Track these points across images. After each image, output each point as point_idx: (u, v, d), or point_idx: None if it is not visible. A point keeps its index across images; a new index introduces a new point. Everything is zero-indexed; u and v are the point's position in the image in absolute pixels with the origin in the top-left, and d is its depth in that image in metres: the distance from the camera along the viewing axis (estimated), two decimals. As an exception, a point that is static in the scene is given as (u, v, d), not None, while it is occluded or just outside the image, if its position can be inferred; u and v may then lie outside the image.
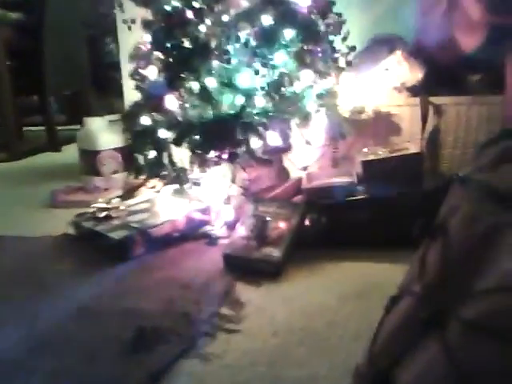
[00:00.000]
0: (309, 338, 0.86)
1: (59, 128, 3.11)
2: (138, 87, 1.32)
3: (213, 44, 1.21)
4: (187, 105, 1.24)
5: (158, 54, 1.25)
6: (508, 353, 0.37)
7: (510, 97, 1.29)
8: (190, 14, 1.17)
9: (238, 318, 0.94)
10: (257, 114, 1.24)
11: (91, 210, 1.38)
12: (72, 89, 3.24)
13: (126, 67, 1.54)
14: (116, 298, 1.02)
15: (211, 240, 1.28)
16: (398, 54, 1.37)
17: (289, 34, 1.26)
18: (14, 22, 2.61)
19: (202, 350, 0.85)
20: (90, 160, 1.95)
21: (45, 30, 2.67)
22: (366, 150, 1.31)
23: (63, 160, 2.59)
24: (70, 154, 2.51)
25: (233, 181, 1.41)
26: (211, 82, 1.20)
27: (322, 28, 1.34)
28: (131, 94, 1.51)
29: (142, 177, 1.49)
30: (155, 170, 1.25)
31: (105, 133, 1.90)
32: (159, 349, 0.84)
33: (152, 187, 1.63)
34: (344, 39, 1.36)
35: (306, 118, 1.34)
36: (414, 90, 1.41)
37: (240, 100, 1.20)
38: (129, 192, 1.63)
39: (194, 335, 0.88)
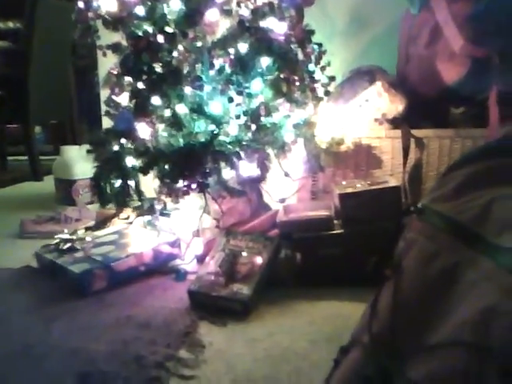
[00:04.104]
0: (271, 387, 0.78)
1: (44, 158, 3.07)
2: (107, 113, 1.27)
3: (185, 70, 1.17)
4: (158, 132, 1.19)
5: (129, 80, 1.20)
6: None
7: (494, 130, 1.24)
8: (161, 39, 1.13)
9: (195, 362, 0.86)
10: (230, 142, 1.18)
11: (55, 242, 1.31)
12: (58, 118, 3.21)
13: (105, 95, 1.50)
14: (65, 336, 0.93)
15: (179, 275, 1.20)
16: (379, 85, 1.34)
17: (265, 62, 1.22)
18: (0, 50, 2.59)
19: (151, 399, 0.76)
20: (66, 189, 1.89)
21: (32, 59, 2.65)
22: (344, 182, 1.25)
23: (42, 190, 2.52)
24: (51, 183, 2.46)
25: (206, 212, 1.35)
26: (182, 109, 1.15)
27: (301, 57, 1.31)
28: (108, 122, 1.47)
29: (113, 207, 1.42)
30: (121, 199, 1.18)
31: (81, 162, 1.85)
32: (102, 397, 0.75)
33: (125, 218, 1.57)
34: (323, 69, 1.33)
35: (282, 148, 1.29)
36: (395, 122, 1.36)
37: (211, 128, 1.15)
38: (101, 223, 1.56)
39: (144, 381, 0.79)
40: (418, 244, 0.39)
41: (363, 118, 1.37)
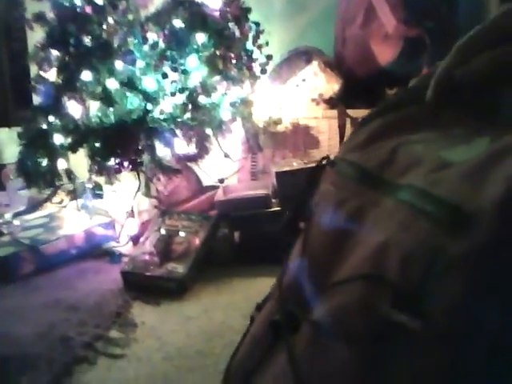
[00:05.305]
0: (204, 363, 0.77)
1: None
2: (33, 89, 1.21)
3: (116, 43, 1.13)
4: (88, 108, 1.14)
5: (56, 54, 1.14)
6: (358, 360, 0.29)
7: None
8: (89, 10, 1.08)
9: (126, 340, 0.83)
10: (164, 120, 1.15)
11: (-20, 227, 1.23)
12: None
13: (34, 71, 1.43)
14: (-14, 322, 0.88)
15: (113, 257, 1.16)
16: (315, 65, 1.34)
17: (200, 38, 1.19)
18: None
19: (77, 378, 0.73)
20: (-5, 174, 1.79)
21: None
22: (282, 162, 1.25)
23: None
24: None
25: (145, 193, 1.32)
26: (113, 84, 1.10)
27: (237, 34, 1.29)
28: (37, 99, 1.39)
29: (45, 191, 1.36)
30: (49, 179, 1.12)
31: (11, 145, 1.75)
32: (22, 380, 0.71)
33: (59, 202, 1.50)
34: (260, 47, 1.31)
35: (220, 127, 1.27)
36: (331, 102, 1.37)
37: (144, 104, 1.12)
38: (32, 208, 1.49)
39: (69, 361, 0.76)
40: (329, 194, 0.39)
41: (300, 98, 1.37)
